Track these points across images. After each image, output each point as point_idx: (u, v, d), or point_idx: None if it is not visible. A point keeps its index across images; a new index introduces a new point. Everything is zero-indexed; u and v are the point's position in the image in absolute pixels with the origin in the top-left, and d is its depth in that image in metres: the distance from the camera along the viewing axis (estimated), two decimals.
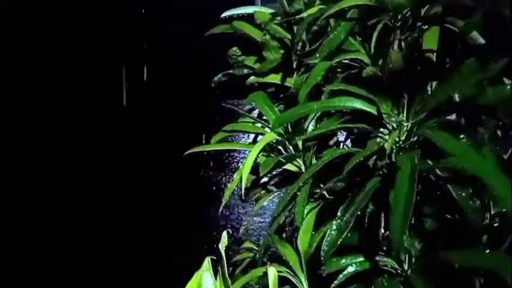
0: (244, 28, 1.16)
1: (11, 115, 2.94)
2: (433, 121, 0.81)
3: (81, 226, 2.80)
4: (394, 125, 0.87)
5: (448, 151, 0.74)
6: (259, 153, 1.04)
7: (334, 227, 0.86)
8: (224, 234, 0.86)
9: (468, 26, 0.84)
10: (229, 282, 0.85)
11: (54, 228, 2.75)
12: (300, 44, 1.05)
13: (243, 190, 1.02)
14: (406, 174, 0.76)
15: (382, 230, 0.91)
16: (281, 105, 1.19)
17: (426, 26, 0.89)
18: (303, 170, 1.07)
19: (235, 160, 3.61)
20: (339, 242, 0.85)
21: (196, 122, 3.49)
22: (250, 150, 1.04)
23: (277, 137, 1.07)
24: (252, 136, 1.30)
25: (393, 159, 0.86)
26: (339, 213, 0.87)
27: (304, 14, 1.00)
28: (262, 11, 1.14)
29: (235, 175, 1.08)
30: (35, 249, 2.61)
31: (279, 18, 1.11)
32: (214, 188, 3.35)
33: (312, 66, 0.98)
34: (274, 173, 1.17)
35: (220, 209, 1.16)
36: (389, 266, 0.90)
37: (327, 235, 0.87)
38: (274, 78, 1.14)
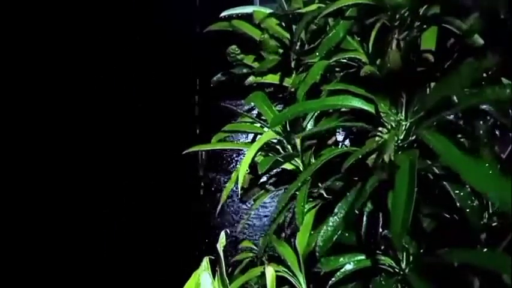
0: (243, 27, 1.17)
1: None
2: (431, 120, 0.81)
3: (80, 225, 2.80)
4: (393, 124, 0.87)
5: (441, 157, 0.74)
6: (257, 153, 1.04)
7: (330, 224, 0.87)
8: (222, 234, 0.86)
9: (469, 29, 0.84)
10: (228, 282, 0.85)
11: (52, 228, 2.75)
12: (299, 43, 1.05)
13: (239, 189, 1.02)
14: (405, 173, 0.76)
15: (380, 229, 0.92)
16: (280, 105, 1.19)
17: (425, 26, 0.89)
18: (302, 170, 1.07)
19: (234, 160, 3.61)
20: (334, 238, 0.85)
21: (196, 121, 3.49)
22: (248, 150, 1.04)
23: (276, 136, 1.07)
24: (250, 136, 1.31)
25: (392, 158, 0.86)
26: (335, 210, 0.87)
27: (303, 10, 1.00)
28: (261, 11, 1.14)
29: (232, 174, 1.08)
30: (34, 249, 2.60)
31: (277, 17, 1.12)
32: (213, 188, 3.35)
33: (310, 65, 0.98)
34: (272, 172, 1.17)
35: (218, 209, 1.16)
36: (387, 264, 0.90)
37: (322, 231, 0.87)
38: (273, 78, 1.14)
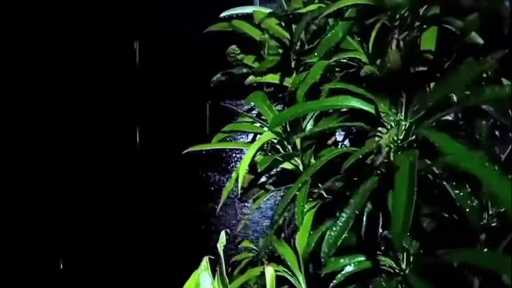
0: (244, 27, 1.16)
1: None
2: (431, 120, 0.81)
3: (80, 225, 2.80)
4: (392, 124, 0.87)
5: (445, 152, 0.74)
6: (257, 153, 1.04)
7: (334, 229, 0.86)
8: (222, 233, 0.86)
9: (467, 27, 0.84)
10: (227, 281, 0.85)
11: (52, 228, 2.75)
12: (299, 43, 1.05)
13: (239, 189, 1.02)
14: (405, 174, 0.76)
15: (380, 230, 0.91)
16: (280, 105, 1.19)
17: (424, 26, 0.89)
18: (301, 169, 1.07)
19: (233, 160, 3.61)
20: (338, 244, 0.84)
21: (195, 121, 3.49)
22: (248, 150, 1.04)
23: (275, 137, 1.07)
24: (250, 136, 1.31)
25: (391, 158, 0.86)
26: (338, 215, 0.87)
27: (303, 10, 1.00)
28: (261, 11, 1.14)
29: (232, 174, 1.08)
30: (35, 249, 2.60)
31: (278, 17, 1.12)
32: (212, 188, 3.34)
33: (310, 65, 0.98)
34: (272, 172, 1.17)
35: (218, 208, 1.16)
36: (387, 265, 0.90)
37: (326, 236, 0.86)
38: (273, 78, 1.14)
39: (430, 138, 0.76)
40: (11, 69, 2.92)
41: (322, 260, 0.87)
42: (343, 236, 0.85)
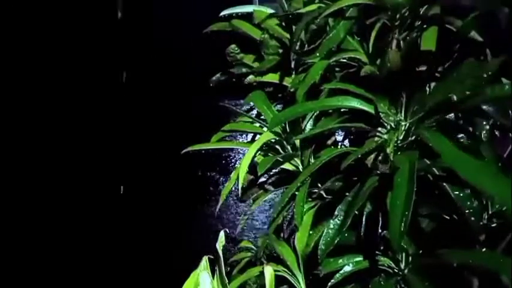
0: (243, 27, 1.16)
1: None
2: (431, 120, 0.81)
3: (79, 225, 2.80)
4: (392, 125, 0.87)
5: (444, 158, 0.73)
6: (256, 153, 1.04)
7: (332, 226, 0.86)
8: (221, 233, 0.86)
9: (467, 26, 0.84)
10: (227, 281, 0.84)
11: (51, 228, 2.75)
12: (299, 43, 1.05)
13: (239, 189, 1.02)
14: (405, 174, 0.75)
15: (380, 230, 0.91)
16: (279, 105, 1.19)
17: (425, 26, 0.89)
18: (301, 170, 1.06)
19: (233, 159, 3.61)
20: (336, 241, 0.85)
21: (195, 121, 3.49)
22: (248, 150, 1.04)
23: (275, 137, 1.07)
24: (250, 136, 1.30)
25: (391, 159, 0.85)
26: (336, 213, 0.87)
27: (303, 10, 1.00)
28: (262, 10, 1.14)
29: (232, 174, 1.08)
30: (34, 249, 2.60)
31: (278, 17, 1.12)
32: (211, 188, 3.34)
33: (310, 65, 0.98)
34: (271, 172, 1.17)
35: (217, 208, 1.16)
36: (386, 265, 0.90)
37: (324, 234, 0.87)
38: (273, 78, 1.14)
39: (429, 142, 0.75)
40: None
41: (319, 258, 0.87)
42: (341, 234, 0.85)
